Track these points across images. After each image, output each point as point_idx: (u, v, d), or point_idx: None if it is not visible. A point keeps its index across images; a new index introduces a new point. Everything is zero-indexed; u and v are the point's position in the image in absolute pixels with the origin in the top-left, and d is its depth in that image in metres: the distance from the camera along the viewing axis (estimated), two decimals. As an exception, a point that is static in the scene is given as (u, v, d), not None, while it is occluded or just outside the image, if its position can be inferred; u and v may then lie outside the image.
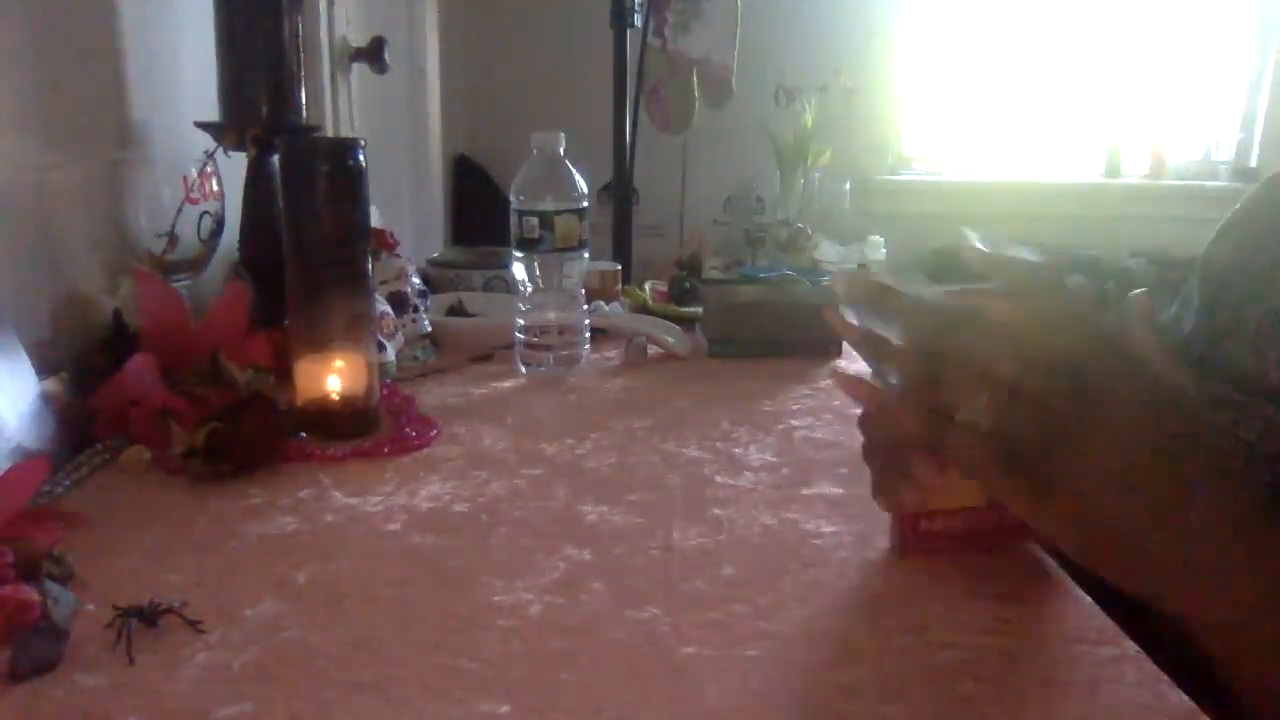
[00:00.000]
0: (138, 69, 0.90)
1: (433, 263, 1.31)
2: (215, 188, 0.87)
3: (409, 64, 1.96)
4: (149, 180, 0.85)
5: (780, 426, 0.79)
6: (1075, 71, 2.76)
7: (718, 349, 1.04)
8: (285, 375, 0.74)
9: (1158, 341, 0.60)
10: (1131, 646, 0.45)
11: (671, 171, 2.54)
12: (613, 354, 1.04)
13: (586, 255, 0.95)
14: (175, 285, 0.80)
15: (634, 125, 1.62)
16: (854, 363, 1.00)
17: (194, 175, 0.84)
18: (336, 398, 0.72)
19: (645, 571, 0.52)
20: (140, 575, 0.50)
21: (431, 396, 0.86)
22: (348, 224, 0.71)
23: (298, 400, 0.72)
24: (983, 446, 0.39)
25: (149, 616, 0.44)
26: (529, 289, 0.94)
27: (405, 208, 1.91)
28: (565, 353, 0.95)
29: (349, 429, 0.72)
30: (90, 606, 0.46)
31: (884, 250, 2.28)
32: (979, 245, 0.42)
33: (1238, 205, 0.61)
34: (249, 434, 0.65)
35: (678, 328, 1.05)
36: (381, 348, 0.86)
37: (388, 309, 0.95)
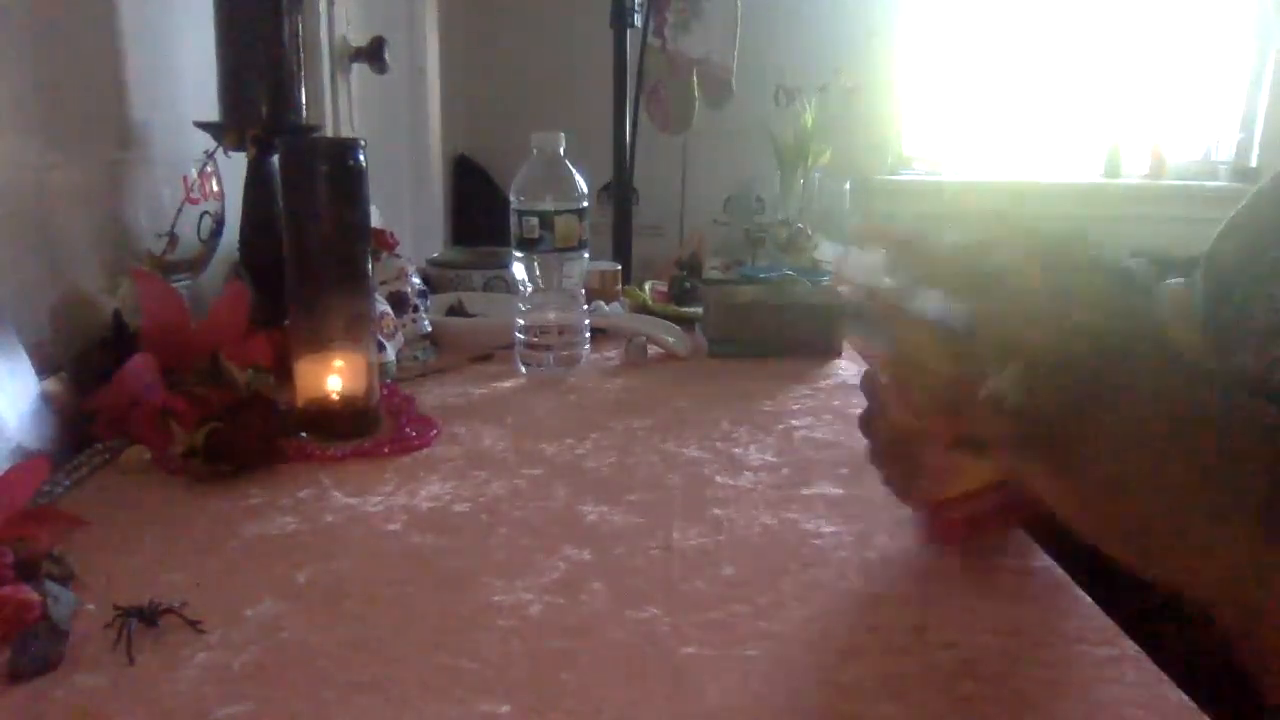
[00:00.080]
0: (138, 69, 0.90)
1: (433, 263, 1.31)
2: (215, 188, 0.87)
3: (409, 64, 1.96)
4: (149, 180, 0.85)
5: (780, 426, 0.79)
6: (1075, 71, 2.76)
7: (718, 349, 1.04)
8: (285, 375, 0.74)
9: (1189, 330, 0.59)
10: (1131, 646, 0.45)
11: (671, 171, 2.54)
12: (613, 354, 1.04)
13: (586, 255, 0.95)
14: (175, 285, 0.80)
15: (634, 125, 1.62)
16: (854, 362, 1.00)
17: (194, 175, 0.84)
18: (336, 398, 0.72)
19: (645, 571, 0.52)
20: (140, 575, 0.50)
21: (431, 396, 0.86)
22: (348, 224, 0.71)
23: (298, 400, 0.72)
24: (1004, 421, 0.38)
25: (149, 616, 0.44)
26: (529, 289, 0.94)
27: (405, 208, 1.91)
28: (565, 353, 0.95)
29: (349, 429, 0.72)
30: (90, 606, 0.46)
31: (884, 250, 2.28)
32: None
33: (1242, 203, 0.61)
34: (249, 434, 0.65)
35: (678, 328, 1.05)
36: (381, 348, 0.86)
37: (388, 309, 0.95)
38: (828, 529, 0.58)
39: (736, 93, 2.08)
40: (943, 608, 0.49)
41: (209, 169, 0.86)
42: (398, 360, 0.93)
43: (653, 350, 1.04)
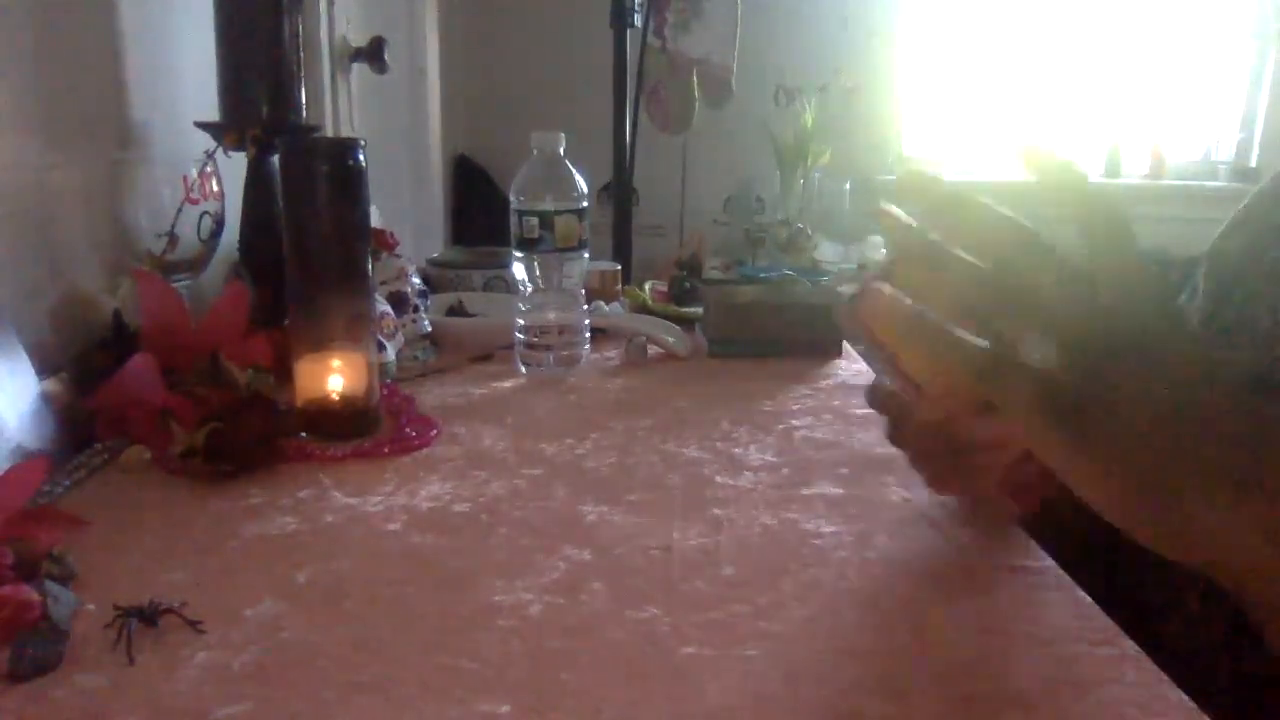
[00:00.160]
0: (138, 69, 0.90)
1: (433, 263, 1.31)
2: (215, 188, 0.87)
3: (409, 64, 1.96)
4: (149, 180, 0.85)
5: (780, 426, 0.79)
6: (1075, 71, 2.76)
7: (718, 349, 1.04)
8: (285, 375, 0.74)
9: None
10: (1131, 646, 0.45)
11: (671, 171, 2.54)
12: (613, 354, 1.04)
13: (586, 255, 0.95)
14: (175, 285, 0.80)
15: (634, 125, 1.62)
16: (854, 363, 1.00)
17: (194, 175, 0.84)
18: (336, 398, 0.72)
19: (645, 571, 0.52)
20: (140, 575, 0.50)
21: (431, 396, 0.86)
22: (348, 224, 0.71)
23: (298, 400, 0.72)
24: (1030, 389, 0.37)
25: (149, 616, 0.44)
26: (529, 289, 0.94)
27: (405, 208, 1.91)
28: (565, 353, 0.95)
29: (349, 429, 0.72)
30: (90, 606, 0.46)
31: (884, 250, 2.28)
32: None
33: (1246, 200, 0.61)
34: (249, 434, 0.65)
35: (678, 328, 1.05)
36: (381, 348, 0.86)
37: (388, 309, 0.95)
38: (828, 529, 0.58)
39: (736, 93, 2.09)
40: (943, 608, 0.49)
41: (209, 169, 0.86)
42: (398, 360, 0.93)
43: (653, 350, 1.04)
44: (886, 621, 0.48)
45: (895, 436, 0.56)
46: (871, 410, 0.57)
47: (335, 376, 0.72)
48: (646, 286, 1.29)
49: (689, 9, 1.99)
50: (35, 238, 0.77)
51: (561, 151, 0.92)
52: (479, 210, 2.45)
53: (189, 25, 0.95)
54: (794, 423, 0.80)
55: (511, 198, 0.92)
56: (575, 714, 0.39)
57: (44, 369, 0.68)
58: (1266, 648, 0.40)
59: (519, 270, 0.94)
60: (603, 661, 0.43)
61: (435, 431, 0.74)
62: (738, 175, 2.57)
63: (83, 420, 0.68)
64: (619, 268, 1.26)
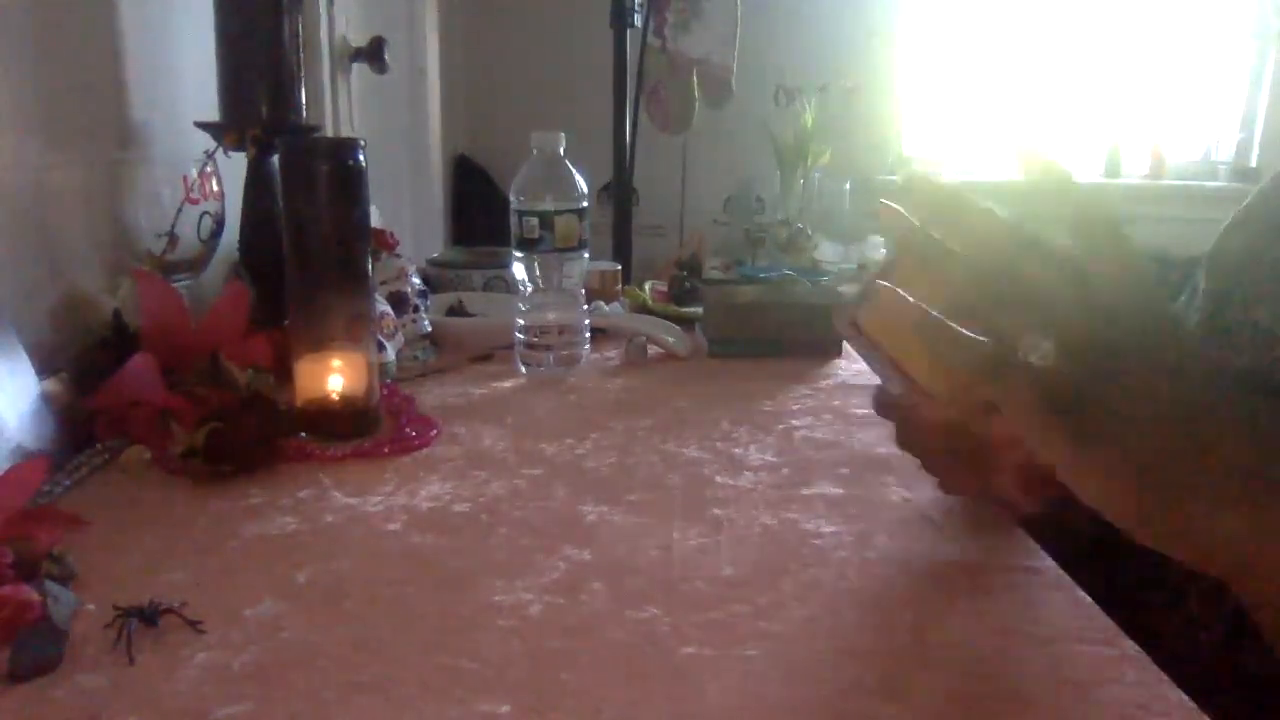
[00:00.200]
0: (138, 69, 0.90)
1: (433, 263, 1.31)
2: (215, 188, 0.87)
3: (409, 64, 1.96)
4: (149, 180, 0.85)
5: (780, 426, 0.79)
6: (1075, 71, 2.76)
7: (718, 349, 1.04)
8: (285, 375, 0.74)
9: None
10: (1131, 646, 0.45)
11: (671, 171, 2.54)
12: (613, 354, 1.04)
13: (586, 255, 0.95)
14: (175, 285, 0.80)
15: (634, 125, 1.62)
16: (854, 363, 1.00)
17: (194, 175, 0.84)
18: (336, 398, 0.72)
19: (645, 571, 0.52)
20: (140, 575, 0.50)
21: (431, 396, 0.86)
22: (348, 224, 0.71)
23: (298, 400, 0.72)
24: (1032, 388, 0.37)
25: (149, 616, 0.44)
26: (529, 289, 0.94)
27: (405, 208, 1.91)
28: (565, 353, 0.95)
29: (349, 429, 0.72)
30: (90, 606, 0.46)
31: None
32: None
33: (1248, 200, 0.61)
34: (249, 434, 0.65)
35: (678, 328, 1.05)
36: (381, 348, 0.86)
37: (388, 309, 0.95)
38: (828, 529, 0.58)
39: (736, 93, 2.08)
40: (943, 608, 0.49)
41: (209, 169, 0.86)
42: (398, 360, 0.93)
43: (653, 350, 1.04)
44: (886, 621, 0.48)
45: (904, 441, 0.56)
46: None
47: (335, 376, 0.72)
48: (646, 286, 1.29)
49: (689, 9, 1.99)
50: (35, 238, 0.77)
51: (561, 151, 0.92)
52: (479, 210, 2.45)
53: (189, 25, 0.95)
54: (794, 423, 0.80)
55: (511, 198, 0.92)
56: (575, 714, 0.39)
57: (44, 369, 0.68)
58: (1267, 647, 0.40)
59: (519, 270, 0.94)
60: (603, 661, 0.43)
61: (435, 431, 0.74)
62: (738, 175, 2.57)
63: (83, 420, 0.68)
64: (619, 268, 1.27)
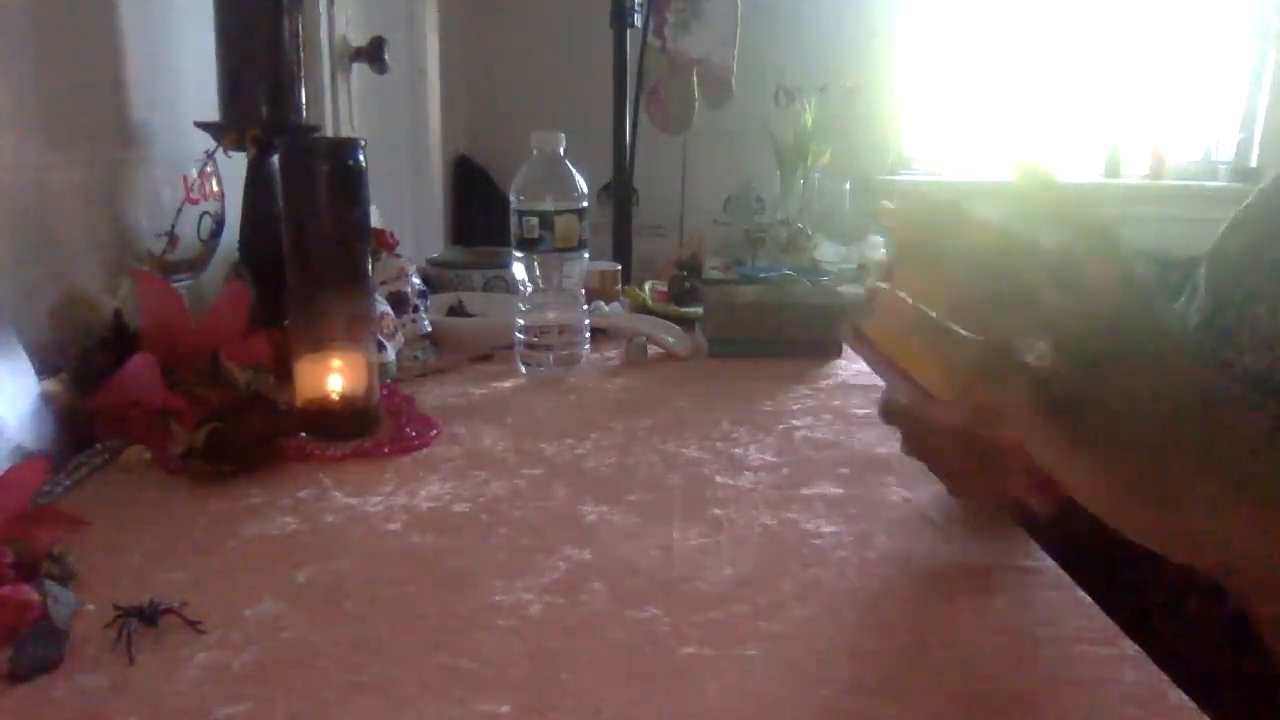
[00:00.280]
0: (138, 69, 0.90)
1: (433, 263, 1.31)
2: (215, 188, 0.87)
3: (409, 64, 1.96)
4: (149, 180, 0.85)
5: (780, 426, 0.79)
6: (1075, 71, 2.76)
7: (718, 349, 1.04)
8: (285, 375, 0.74)
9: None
10: (1131, 646, 0.45)
11: (671, 171, 2.54)
12: (613, 354, 1.04)
13: (586, 255, 0.95)
14: (175, 285, 0.80)
15: (634, 125, 1.62)
16: (854, 363, 1.00)
17: (194, 175, 0.85)
18: (336, 398, 0.72)
19: (645, 571, 0.52)
20: (140, 575, 0.50)
21: (431, 396, 0.86)
22: (348, 224, 0.71)
23: (298, 400, 0.72)
24: (1029, 388, 0.37)
25: (149, 616, 0.44)
26: (529, 289, 0.94)
27: (405, 208, 1.91)
28: (565, 353, 0.95)
29: (349, 429, 0.72)
30: (90, 606, 0.46)
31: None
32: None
33: (1248, 200, 0.61)
34: (249, 434, 0.65)
35: (678, 328, 1.05)
36: (381, 348, 0.86)
37: (388, 309, 0.95)
38: (828, 529, 0.58)
39: (736, 93, 2.08)
40: (943, 607, 0.49)
41: (209, 169, 0.86)
42: (398, 360, 0.93)
43: (653, 350, 1.04)
44: (886, 621, 0.48)
45: (912, 448, 0.56)
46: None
47: (335, 376, 0.72)
48: (646, 286, 1.29)
49: (689, 9, 1.99)
50: (35, 238, 0.77)
51: (561, 151, 0.92)
52: (479, 210, 2.45)
53: (189, 25, 0.95)
54: (794, 423, 0.80)
55: (511, 198, 0.92)
56: (575, 714, 0.39)
57: (44, 369, 0.68)
58: (1266, 647, 0.40)
59: (519, 270, 0.94)
60: (603, 661, 0.43)
61: (435, 431, 0.74)
62: (738, 175, 2.57)
63: (83, 420, 0.68)
64: (619, 268, 1.26)
